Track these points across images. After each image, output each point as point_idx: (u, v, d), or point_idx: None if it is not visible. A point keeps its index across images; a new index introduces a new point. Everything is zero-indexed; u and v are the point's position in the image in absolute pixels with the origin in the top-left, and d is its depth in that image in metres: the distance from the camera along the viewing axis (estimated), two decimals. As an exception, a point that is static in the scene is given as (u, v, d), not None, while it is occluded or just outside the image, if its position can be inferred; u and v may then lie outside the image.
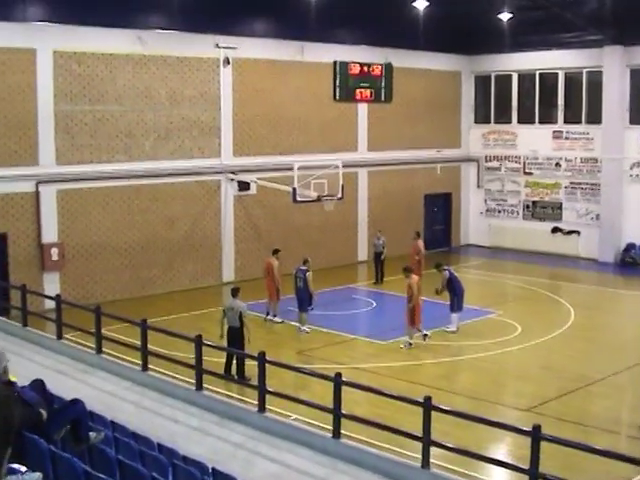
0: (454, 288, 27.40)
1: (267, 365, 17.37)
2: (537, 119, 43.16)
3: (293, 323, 27.81)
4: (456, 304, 27.24)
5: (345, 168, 34.13)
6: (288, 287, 28.06)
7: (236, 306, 22.11)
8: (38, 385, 10.88)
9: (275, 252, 29.13)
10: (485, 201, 45.17)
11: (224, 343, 21.91)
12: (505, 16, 38.47)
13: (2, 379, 10.06)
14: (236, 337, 21.76)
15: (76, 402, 10.99)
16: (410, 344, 25.37)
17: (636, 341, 26.49)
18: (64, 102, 30.25)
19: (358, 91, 39.66)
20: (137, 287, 32.61)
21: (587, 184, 41.26)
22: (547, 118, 42.84)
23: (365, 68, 39.71)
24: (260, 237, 35.92)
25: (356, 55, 39.36)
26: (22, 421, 8.68)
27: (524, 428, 14.24)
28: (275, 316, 28.39)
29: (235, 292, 22.69)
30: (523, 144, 43.41)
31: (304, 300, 27.35)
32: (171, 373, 20.30)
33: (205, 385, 18.66)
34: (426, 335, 25.78)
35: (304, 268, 27.62)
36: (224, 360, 21.46)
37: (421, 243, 34.46)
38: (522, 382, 22.77)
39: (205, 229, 34.60)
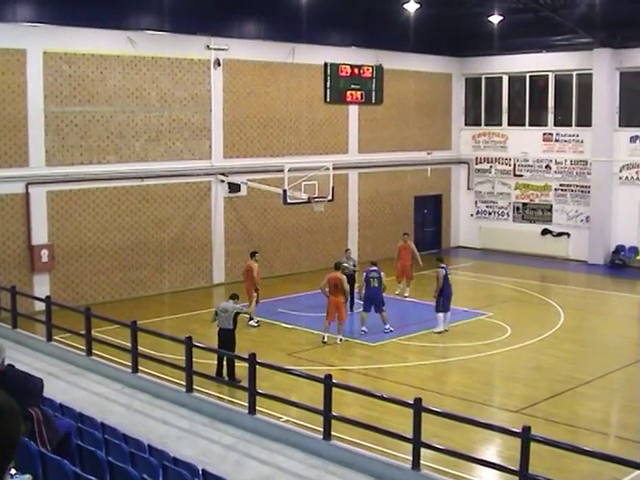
0: (443, 288, 27.32)
1: (257, 367, 17.39)
2: (527, 121, 43.23)
3: (284, 325, 27.80)
4: (441, 304, 27.16)
5: (335, 170, 34.06)
6: (268, 290, 27.92)
7: (230, 308, 22.03)
8: (38, 384, 10.69)
9: (253, 254, 28.77)
10: (475, 203, 45.24)
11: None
12: (495, 18, 38.50)
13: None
14: (227, 339, 21.74)
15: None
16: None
17: (625, 343, 26.57)
18: (54, 103, 30.20)
19: (349, 93, 39.58)
20: (127, 289, 32.58)
21: (577, 186, 41.35)
22: (537, 120, 42.92)
23: (356, 70, 39.64)
24: (250, 239, 35.86)
25: (347, 57, 39.31)
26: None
27: (514, 429, 14.29)
28: (251, 319, 27.80)
29: (234, 297, 22.59)
30: (513, 146, 43.49)
31: (379, 300, 27.16)
32: (162, 375, 20.28)
33: (195, 387, 18.66)
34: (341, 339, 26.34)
35: (376, 268, 27.49)
36: (214, 362, 21.46)
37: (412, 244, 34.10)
38: (512, 383, 22.80)
39: (195, 231, 34.55)
